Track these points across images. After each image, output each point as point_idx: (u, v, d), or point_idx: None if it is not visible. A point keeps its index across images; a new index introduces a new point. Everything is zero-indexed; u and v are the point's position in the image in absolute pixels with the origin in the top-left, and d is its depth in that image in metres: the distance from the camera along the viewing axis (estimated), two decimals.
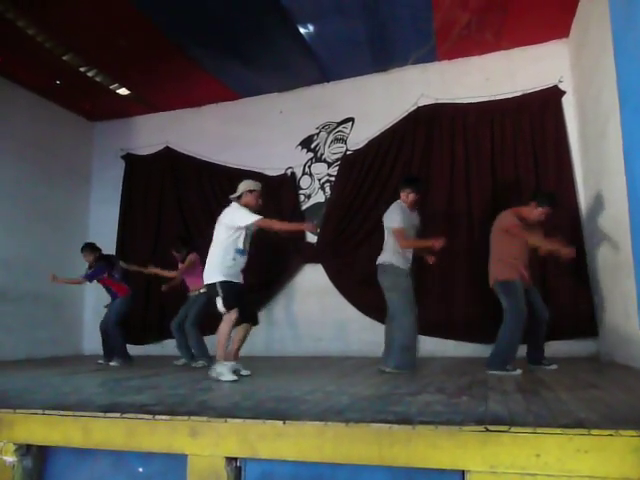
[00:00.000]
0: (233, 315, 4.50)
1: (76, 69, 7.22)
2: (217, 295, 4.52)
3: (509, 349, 4.59)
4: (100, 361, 6.45)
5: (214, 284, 4.55)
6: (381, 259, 4.98)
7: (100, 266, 6.54)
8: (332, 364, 5.83)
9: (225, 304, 4.50)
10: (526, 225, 4.80)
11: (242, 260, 4.71)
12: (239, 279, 4.70)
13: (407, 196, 5.02)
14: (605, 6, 3.40)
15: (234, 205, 4.77)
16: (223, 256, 4.59)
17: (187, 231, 8.04)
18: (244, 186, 4.83)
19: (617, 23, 2.61)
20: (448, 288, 6.67)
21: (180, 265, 6.54)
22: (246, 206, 4.74)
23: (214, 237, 4.74)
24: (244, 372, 4.63)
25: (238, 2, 5.87)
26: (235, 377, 4.33)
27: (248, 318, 4.72)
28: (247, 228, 4.67)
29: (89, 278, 6.55)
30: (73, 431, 2.69)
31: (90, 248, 6.72)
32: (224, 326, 4.53)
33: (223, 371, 4.34)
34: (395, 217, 4.91)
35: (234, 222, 4.64)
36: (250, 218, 4.61)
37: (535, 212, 4.80)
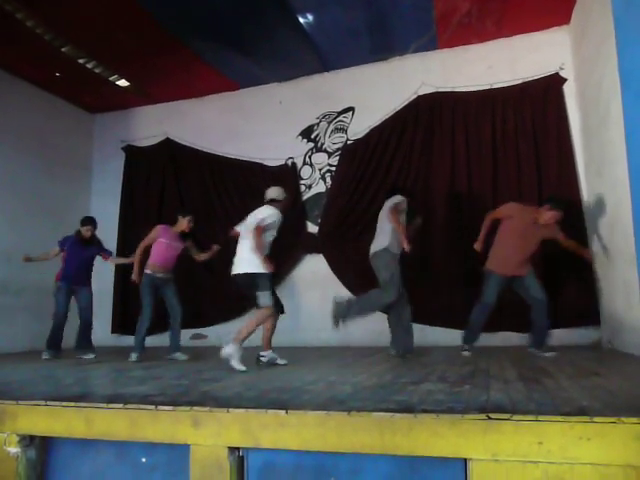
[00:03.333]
0: (271, 308, 4.63)
1: (75, 61, 7.19)
2: (265, 289, 4.57)
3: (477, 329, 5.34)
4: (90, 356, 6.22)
5: (263, 274, 4.58)
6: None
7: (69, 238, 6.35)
8: (334, 354, 5.85)
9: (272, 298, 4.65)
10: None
11: None
12: None
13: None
14: None
15: (268, 206, 4.90)
16: (264, 251, 4.69)
17: None
18: (277, 193, 5.01)
19: (618, 8, 2.59)
20: (450, 277, 6.66)
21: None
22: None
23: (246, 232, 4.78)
24: (280, 361, 4.77)
25: None
26: (244, 367, 4.33)
27: (279, 307, 4.93)
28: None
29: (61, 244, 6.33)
30: (76, 422, 2.70)
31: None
32: (260, 317, 4.63)
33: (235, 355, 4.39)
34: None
35: (268, 221, 4.75)
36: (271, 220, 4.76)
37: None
